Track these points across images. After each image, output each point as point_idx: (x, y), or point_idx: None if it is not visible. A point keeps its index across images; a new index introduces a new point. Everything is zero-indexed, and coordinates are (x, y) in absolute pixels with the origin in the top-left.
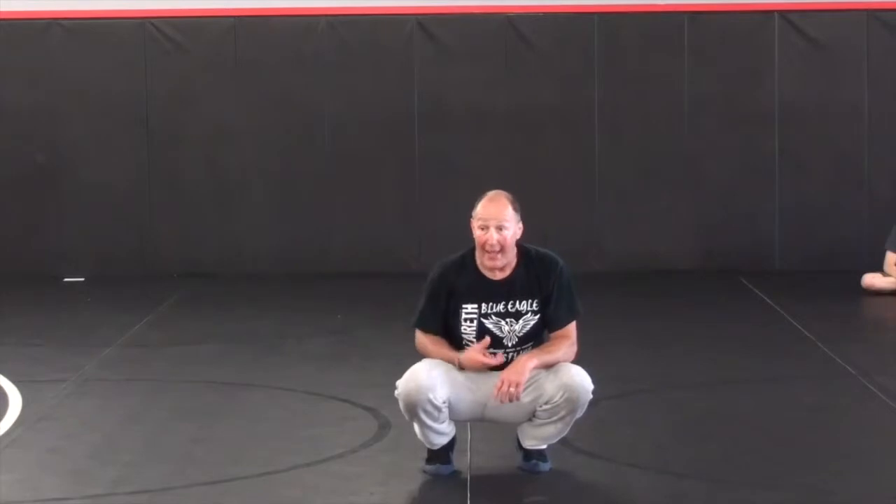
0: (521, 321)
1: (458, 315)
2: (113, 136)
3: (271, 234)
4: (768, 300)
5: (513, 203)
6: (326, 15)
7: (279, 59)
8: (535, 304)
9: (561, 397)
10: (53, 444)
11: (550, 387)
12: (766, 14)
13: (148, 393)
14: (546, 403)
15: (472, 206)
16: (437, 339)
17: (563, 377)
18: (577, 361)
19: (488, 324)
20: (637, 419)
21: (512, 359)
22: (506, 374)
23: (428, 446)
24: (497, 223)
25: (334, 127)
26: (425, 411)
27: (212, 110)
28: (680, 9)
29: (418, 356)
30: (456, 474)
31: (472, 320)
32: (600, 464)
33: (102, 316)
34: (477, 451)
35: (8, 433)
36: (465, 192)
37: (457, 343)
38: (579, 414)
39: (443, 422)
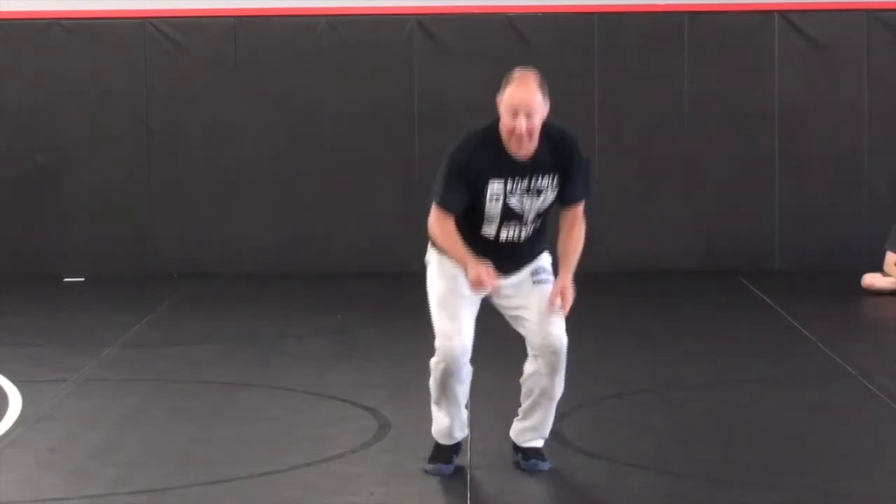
0: (541, 197)
1: (484, 191)
2: (113, 136)
3: (271, 234)
4: (768, 300)
5: (541, 86)
6: (326, 15)
7: (279, 59)
8: (555, 181)
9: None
10: (53, 444)
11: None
12: (766, 14)
13: (148, 393)
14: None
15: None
16: (453, 229)
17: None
18: (575, 360)
19: (513, 200)
20: (637, 419)
21: (527, 234)
22: (563, 288)
23: (441, 440)
24: (526, 110)
25: (334, 127)
26: (460, 380)
27: (212, 110)
28: (680, 9)
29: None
30: (456, 474)
31: (498, 197)
32: (600, 464)
33: (102, 316)
34: (477, 451)
35: (8, 433)
36: None
37: (478, 216)
38: (559, 385)
39: (466, 391)
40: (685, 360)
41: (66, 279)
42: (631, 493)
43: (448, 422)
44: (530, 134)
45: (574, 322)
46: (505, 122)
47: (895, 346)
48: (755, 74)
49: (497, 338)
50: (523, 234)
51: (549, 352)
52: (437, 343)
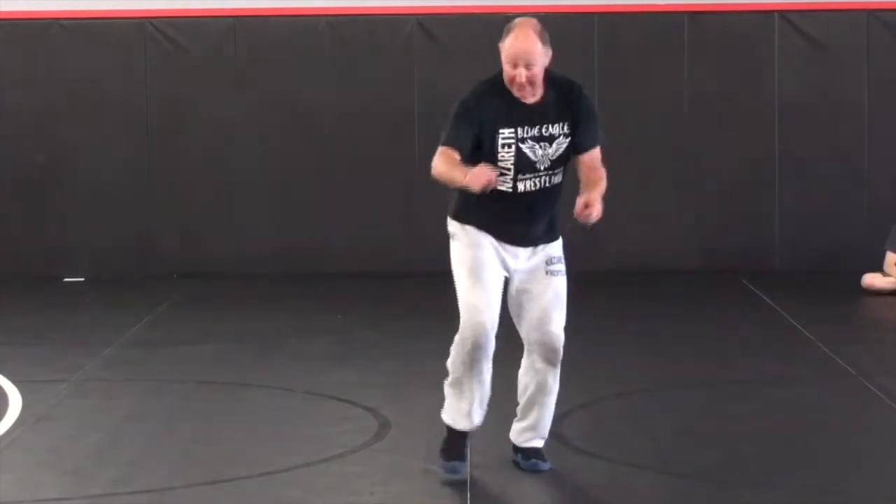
0: (554, 144)
1: (496, 141)
2: (113, 136)
3: (271, 234)
4: (768, 300)
5: (541, 35)
6: (326, 15)
7: (279, 58)
8: (566, 128)
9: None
10: (53, 444)
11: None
12: (766, 14)
13: (148, 393)
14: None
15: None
16: (451, 158)
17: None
18: (575, 360)
19: (525, 148)
20: (637, 419)
21: (546, 185)
22: (593, 200)
23: (458, 425)
24: (526, 60)
25: (334, 127)
26: (488, 355)
27: (212, 110)
28: (680, 9)
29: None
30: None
31: (510, 145)
32: (600, 464)
33: (102, 316)
34: (477, 450)
35: (8, 433)
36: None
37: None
38: (554, 382)
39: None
40: (685, 360)
41: (66, 279)
42: (631, 493)
43: (468, 404)
44: (531, 82)
45: (574, 322)
46: (506, 71)
47: (895, 346)
48: (755, 74)
49: (498, 339)
50: (539, 185)
51: (547, 348)
52: (466, 316)
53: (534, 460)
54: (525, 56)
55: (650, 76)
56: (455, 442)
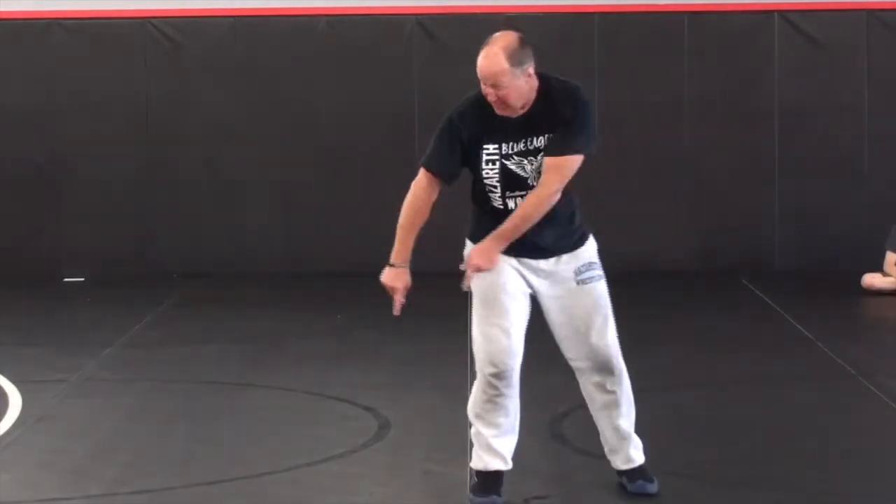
0: (539, 158)
1: (480, 157)
2: (113, 136)
3: (271, 234)
4: (768, 300)
5: (511, 54)
6: (326, 15)
7: (279, 58)
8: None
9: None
10: (53, 444)
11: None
12: (766, 14)
13: (148, 393)
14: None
15: (471, 206)
16: (417, 200)
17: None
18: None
19: (511, 165)
20: (637, 419)
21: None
22: (474, 257)
23: (494, 466)
24: (491, 81)
25: (334, 127)
26: (512, 384)
27: (211, 110)
28: (680, 9)
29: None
30: (455, 474)
31: (493, 161)
32: (601, 464)
33: (102, 316)
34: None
35: (8, 433)
36: (465, 192)
37: (479, 187)
38: (611, 393)
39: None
40: (685, 360)
41: (66, 279)
42: (631, 493)
43: (498, 442)
44: (503, 103)
45: None
46: (482, 88)
47: (895, 346)
48: (755, 74)
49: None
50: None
51: (596, 362)
52: (484, 346)
53: (640, 482)
54: (490, 77)
55: (650, 76)
56: (490, 483)
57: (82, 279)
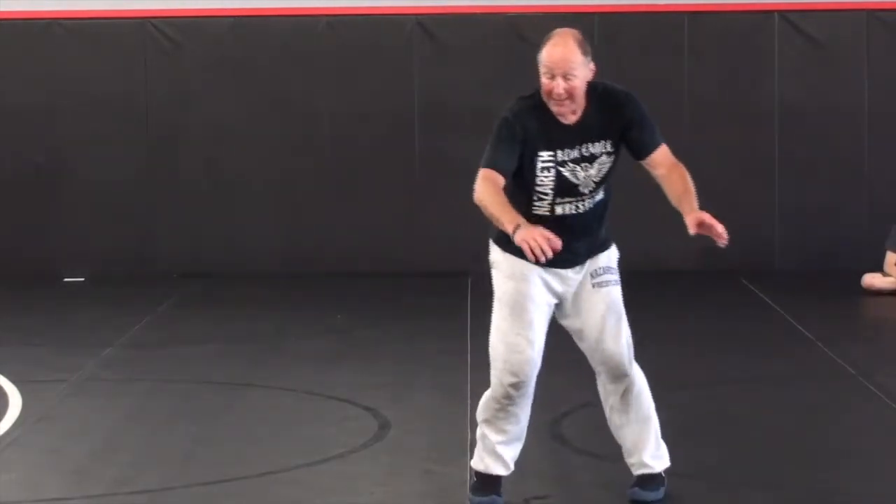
0: (596, 164)
1: (535, 164)
2: (113, 136)
3: (271, 234)
4: (768, 300)
5: (582, 45)
6: (326, 15)
7: (279, 59)
8: (609, 146)
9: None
10: (53, 444)
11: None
12: (766, 14)
13: (148, 393)
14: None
15: (471, 207)
16: (495, 186)
17: (602, 348)
18: (575, 360)
19: (565, 172)
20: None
21: (586, 208)
22: (707, 218)
23: (496, 471)
24: (563, 71)
25: (334, 127)
26: (527, 394)
27: (211, 110)
28: (680, 9)
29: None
30: (455, 475)
31: (549, 169)
32: (601, 464)
33: (102, 316)
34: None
35: (8, 433)
36: (465, 193)
37: (527, 192)
38: (633, 399)
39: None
40: (685, 360)
41: (66, 279)
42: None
43: (503, 448)
44: (570, 95)
45: None
46: (543, 83)
47: (895, 346)
48: (755, 74)
49: None
50: (581, 209)
51: (609, 366)
52: (506, 355)
53: (635, 488)
54: (562, 66)
55: (650, 76)
56: (490, 484)
57: (82, 279)
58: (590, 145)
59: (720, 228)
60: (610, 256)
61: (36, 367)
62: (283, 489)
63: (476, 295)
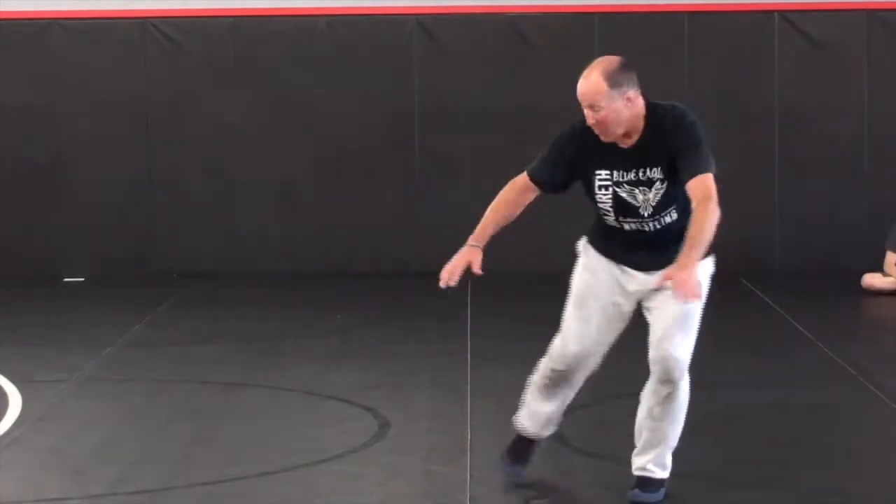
0: (653, 189)
1: (592, 182)
2: (113, 136)
3: (271, 234)
4: (768, 300)
5: (610, 76)
6: (326, 15)
7: (279, 59)
8: (660, 172)
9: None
10: (53, 444)
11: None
12: (766, 14)
13: (148, 393)
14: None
15: (471, 207)
16: (505, 200)
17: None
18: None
19: (622, 193)
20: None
21: (653, 229)
22: (675, 274)
23: (531, 430)
24: (588, 103)
25: (334, 127)
26: (571, 384)
27: (212, 110)
28: (680, 9)
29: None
30: (455, 475)
31: (606, 187)
32: (601, 464)
33: (102, 316)
34: (477, 450)
35: (8, 433)
36: (465, 192)
37: (595, 206)
38: (668, 411)
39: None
40: None
41: (66, 279)
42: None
43: (543, 414)
44: (603, 126)
45: None
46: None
47: (895, 346)
48: (755, 74)
49: (498, 338)
50: (647, 229)
51: (661, 368)
52: (558, 342)
53: (635, 490)
54: (586, 98)
55: (650, 76)
56: (521, 450)
57: (82, 279)
58: (647, 170)
59: (685, 291)
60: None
61: (36, 367)
62: (283, 489)
63: (476, 295)
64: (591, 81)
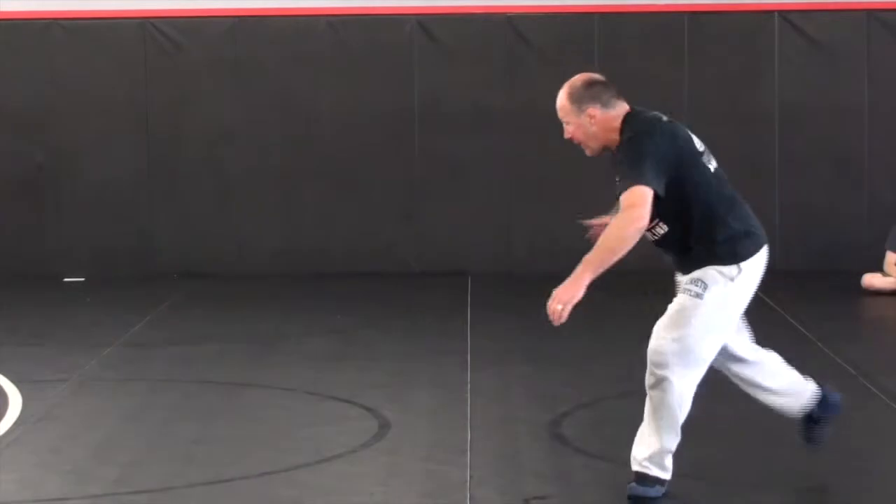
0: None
1: None
2: (113, 136)
3: (271, 234)
4: (768, 300)
5: (570, 95)
6: (326, 15)
7: (279, 59)
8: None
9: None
10: (53, 444)
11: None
12: (766, 14)
13: (148, 393)
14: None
15: (471, 206)
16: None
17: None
18: (575, 360)
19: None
20: (637, 419)
21: (657, 237)
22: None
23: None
24: (561, 118)
25: (334, 127)
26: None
27: (212, 110)
28: (680, 9)
29: None
30: (455, 475)
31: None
32: (600, 464)
33: (102, 316)
34: (477, 450)
35: (8, 433)
36: (465, 192)
37: None
38: (650, 400)
39: None
40: None
41: (66, 279)
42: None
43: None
44: (576, 140)
45: (574, 321)
46: None
47: (895, 346)
48: (755, 74)
49: (498, 338)
50: (653, 237)
51: (649, 356)
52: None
53: (633, 483)
54: (559, 114)
55: (650, 76)
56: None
57: (82, 279)
58: (617, 181)
59: (551, 305)
60: (703, 272)
61: (36, 367)
62: (283, 489)
63: (476, 295)
64: (559, 99)
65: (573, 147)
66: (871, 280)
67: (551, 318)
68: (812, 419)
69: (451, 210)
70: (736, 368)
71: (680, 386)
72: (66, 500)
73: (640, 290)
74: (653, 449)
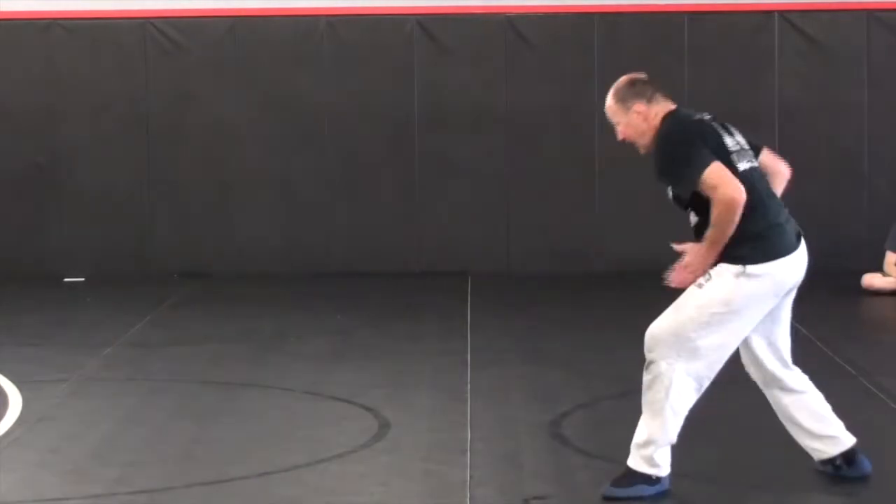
0: (668, 192)
1: None
2: (113, 136)
3: (271, 234)
4: None
5: (616, 94)
6: (326, 15)
7: (279, 59)
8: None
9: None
10: (53, 444)
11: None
12: (766, 14)
13: (148, 393)
14: None
15: (471, 206)
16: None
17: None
18: (575, 360)
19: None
20: (637, 419)
21: (692, 224)
22: (689, 253)
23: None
24: (611, 119)
25: (334, 127)
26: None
27: (212, 110)
28: (680, 9)
29: None
30: (455, 475)
31: None
32: (600, 464)
33: (102, 316)
34: (477, 451)
35: (8, 433)
36: (465, 192)
37: None
38: (644, 390)
39: None
40: None
41: (66, 279)
42: None
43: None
44: (628, 139)
45: (574, 321)
46: None
47: (895, 346)
48: (755, 74)
49: (498, 338)
50: (692, 221)
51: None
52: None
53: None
54: (609, 118)
55: (650, 76)
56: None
57: (82, 279)
58: (657, 176)
59: (676, 276)
60: (718, 267)
61: (36, 367)
62: (283, 489)
63: (476, 295)
64: (607, 102)
65: (572, 146)
66: (871, 280)
67: (672, 281)
68: (834, 465)
69: (451, 210)
70: (778, 395)
71: (670, 372)
72: (66, 500)
73: (640, 291)
74: (641, 437)
